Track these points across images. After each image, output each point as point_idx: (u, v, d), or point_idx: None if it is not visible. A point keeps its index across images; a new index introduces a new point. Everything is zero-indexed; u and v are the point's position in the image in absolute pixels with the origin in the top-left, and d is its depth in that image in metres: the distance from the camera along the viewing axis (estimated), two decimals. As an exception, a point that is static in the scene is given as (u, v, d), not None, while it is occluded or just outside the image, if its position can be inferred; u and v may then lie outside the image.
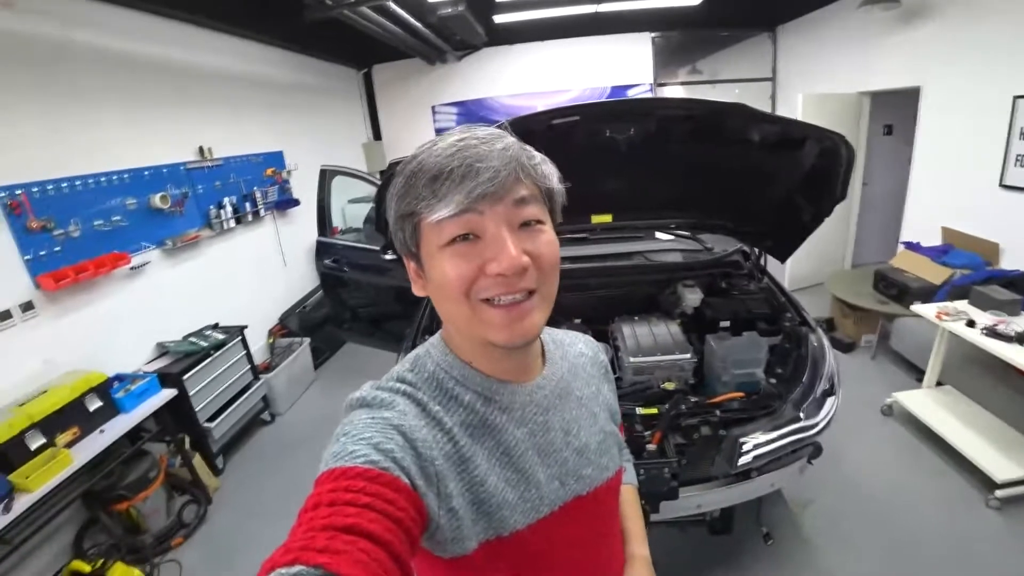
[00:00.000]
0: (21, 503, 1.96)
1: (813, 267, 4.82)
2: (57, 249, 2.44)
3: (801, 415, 1.85)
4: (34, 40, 2.44)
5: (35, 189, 2.36)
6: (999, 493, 2.33)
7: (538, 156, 0.61)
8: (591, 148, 1.99)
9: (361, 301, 3.79)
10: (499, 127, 0.63)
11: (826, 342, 2.13)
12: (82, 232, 2.57)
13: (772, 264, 2.66)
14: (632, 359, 2.19)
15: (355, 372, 4.31)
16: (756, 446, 1.77)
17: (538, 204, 0.59)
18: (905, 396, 2.97)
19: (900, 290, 3.51)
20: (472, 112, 5.97)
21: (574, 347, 0.81)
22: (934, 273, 3.43)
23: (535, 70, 5.70)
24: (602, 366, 0.84)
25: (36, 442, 2.12)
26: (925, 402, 2.89)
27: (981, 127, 3.36)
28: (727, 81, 5.33)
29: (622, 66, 5.51)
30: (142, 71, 3.05)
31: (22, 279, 2.31)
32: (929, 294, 3.32)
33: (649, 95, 5.50)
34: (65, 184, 2.50)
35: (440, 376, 0.64)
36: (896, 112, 4.64)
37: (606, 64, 5.54)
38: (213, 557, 2.53)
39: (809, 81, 4.91)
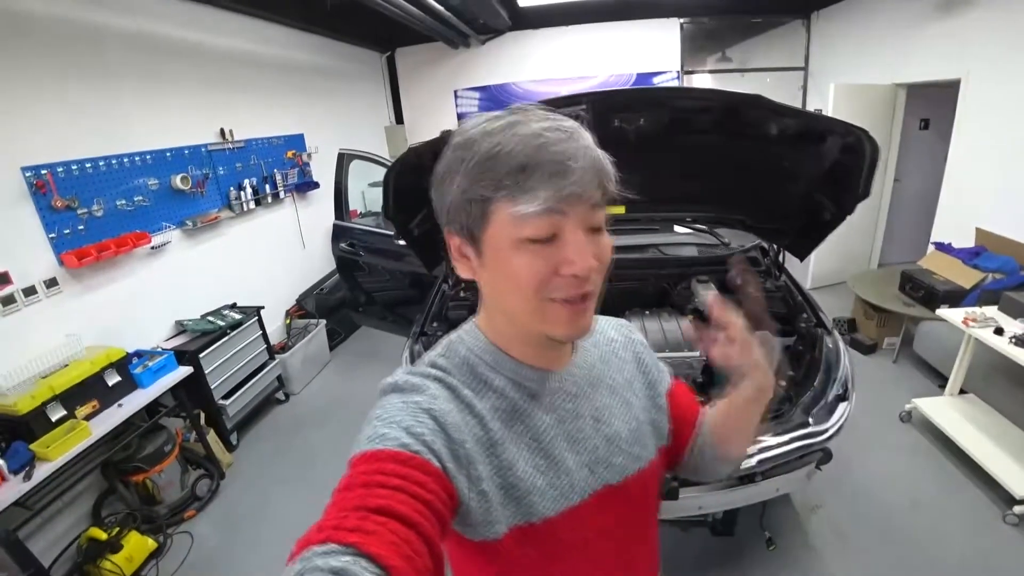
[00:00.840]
0: (42, 471, 2.04)
1: (837, 265, 4.68)
2: (81, 228, 2.51)
3: (810, 420, 1.81)
4: (61, 23, 2.49)
5: (60, 169, 2.42)
6: (1017, 509, 2.25)
7: (609, 159, 0.58)
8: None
9: (376, 285, 3.82)
10: (573, 102, 0.60)
11: (842, 345, 2.07)
12: (105, 212, 2.64)
13: (793, 261, 2.58)
14: None
15: (369, 355, 4.37)
16: (761, 451, 1.74)
17: (603, 209, 0.58)
18: (925, 403, 2.88)
19: (927, 292, 3.38)
20: (495, 97, 5.90)
21: (604, 334, 0.79)
22: (964, 276, 3.30)
23: (559, 56, 5.60)
24: (636, 347, 0.80)
25: (57, 414, 2.21)
26: (946, 410, 2.80)
27: (1023, 123, 3.19)
28: (757, 70, 5.16)
29: (649, 53, 5.37)
30: (165, 53, 3.09)
31: (47, 256, 2.38)
32: (958, 298, 3.20)
33: (675, 83, 5.36)
34: (89, 164, 2.56)
35: (472, 361, 0.65)
36: (933, 106, 4.43)
37: (632, 50, 5.41)
38: (224, 530, 2.61)
39: (842, 71, 4.71)
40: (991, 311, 2.63)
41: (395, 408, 0.56)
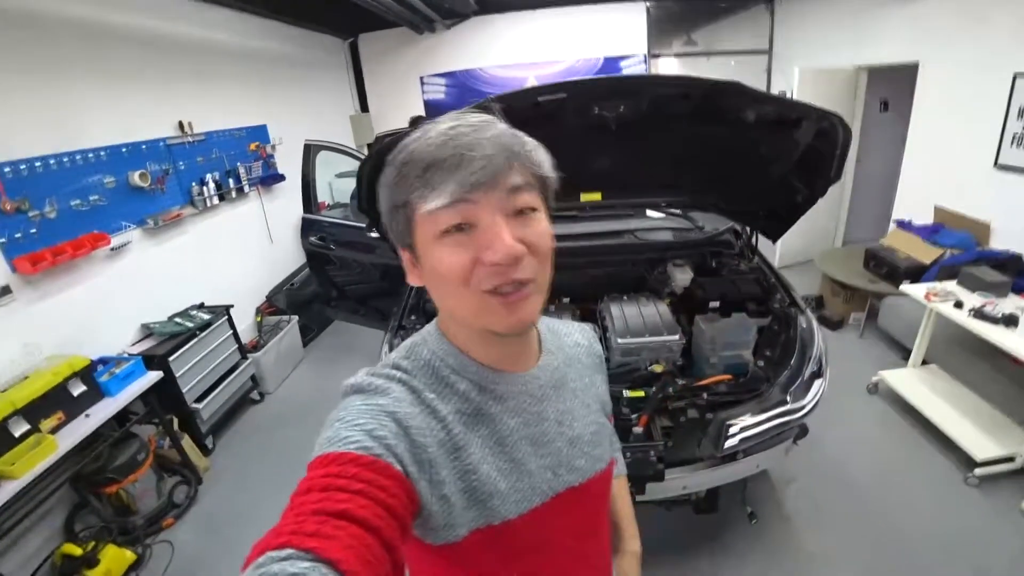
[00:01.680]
0: (7, 490, 1.95)
1: (803, 244, 4.82)
2: (33, 231, 2.37)
3: (788, 398, 1.87)
4: (2, 12, 2.32)
5: (7, 169, 2.27)
6: (978, 471, 2.38)
7: (531, 142, 0.60)
8: (580, 125, 1.94)
9: (348, 279, 3.75)
10: (484, 104, 0.61)
11: (815, 324, 2.13)
12: (59, 213, 2.49)
13: (762, 242, 2.64)
14: (620, 340, 2.18)
15: (344, 350, 4.30)
16: (743, 429, 1.78)
17: (532, 191, 0.58)
18: (891, 374, 3.00)
19: (890, 269, 3.52)
20: (462, 83, 5.82)
21: (570, 337, 0.80)
22: (924, 252, 3.44)
23: (526, 40, 5.55)
24: (597, 356, 0.83)
25: (20, 428, 2.10)
26: (910, 381, 2.93)
27: (978, 105, 3.32)
28: (723, 53, 5.21)
29: (615, 37, 5.36)
30: (117, 43, 2.92)
31: (-3, 263, 2.25)
32: (918, 273, 3.34)
33: (642, 67, 5.37)
34: (39, 163, 2.41)
35: (435, 364, 0.64)
36: (893, 88, 4.57)
37: (599, 35, 5.39)
38: (205, 536, 2.54)
39: (806, 54, 4.81)
40: (951, 286, 2.75)
41: (357, 410, 0.55)
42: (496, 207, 0.55)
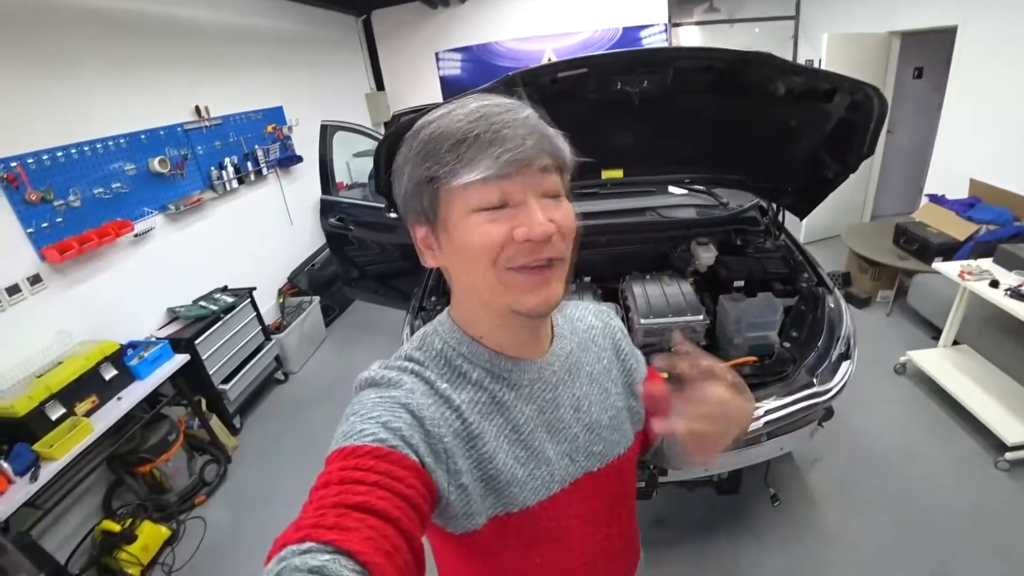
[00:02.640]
0: (48, 471, 2.03)
1: (830, 219, 4.67)
2: (59, 220, 2.42)
3: (815, 381, 1.83)
4: (16, 5, 2.33)
5: (30, 160, 2.31)
6: (1009, 456, 2.32)
7: (554, 130, 0.60)
8: (601, 101, 1.89)
9: (368, 259, 3.76)
10: (508, 80, 0.60)
11: (843, 304, 2.08)
12: (83, 201, 2.53)
13: (788, 218, 2.56)
14: (643, 320, 2.16)
15: (365, 329, 4.35)
16: (767, 412, 1.76)
17: (557, 175, 0.59)
18: (919, 355, 2.93)
19: (921, 245, 3.40)
20: (478, 58, 5.70)
21: (584, 320, 0.79)
22: (958, 228, 3.32)
23: (543, 12, 5.40)
24: (615, 334, 0.81)
25: (56, 412, 2.17)
26: (940, 361, 2.86)
27: (1019, 73, 3.14)
28: (746, 20, 4.99)
29: (634, 5, 5.18)
30: (130, 30, 2.92)
31: (27, 253, 2.30)
32: (952, 250, 3.23)
33: (662, 36, 5.20)
34: (61, 153, 2.44)
35: (448, 353, 0.64)
36: (928, 54, 4.35)
37: (617, 4, 5.22)
38: (236, 512, 2.63)
39: (835, 19, 4.59)
40: (986, 263, 2.65)
41: (371, 403, 0.55)
42: (529, 186, 0.55)
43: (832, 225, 4.72)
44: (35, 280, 2.31)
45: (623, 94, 1.79)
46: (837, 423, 2.39)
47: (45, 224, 2.35)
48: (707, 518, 2.29)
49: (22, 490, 1.95)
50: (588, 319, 0.79)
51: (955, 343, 2.97)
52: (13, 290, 2.22)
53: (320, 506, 0.44)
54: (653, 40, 5.23)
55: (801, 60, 4.79)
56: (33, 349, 2.26)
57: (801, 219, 2.44)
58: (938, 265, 2.79)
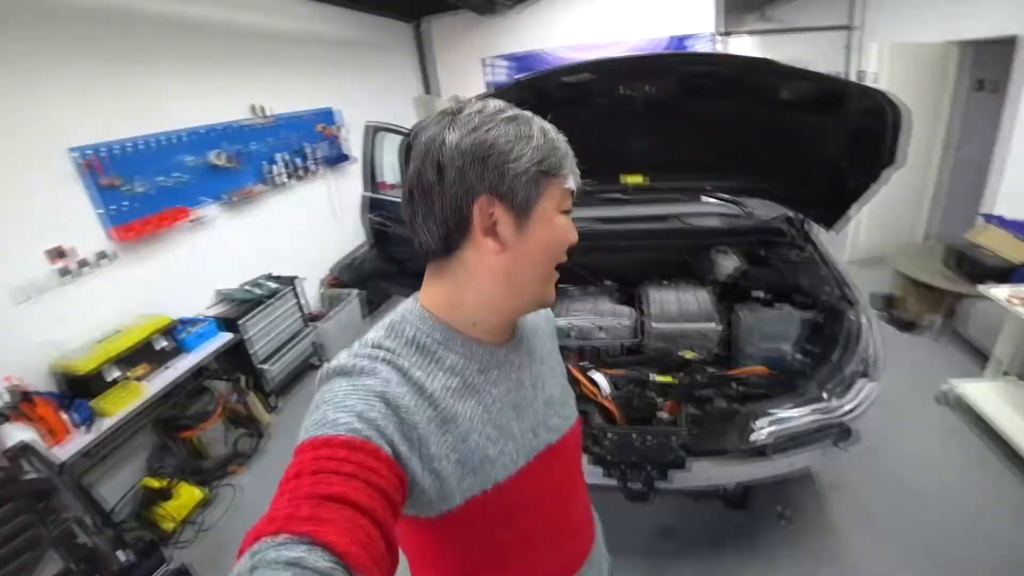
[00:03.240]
0: (102, 425, 2.27)
1: (879, 238, 4.44)
2: (126, 204, 2.69)
3: (825, 395, 1.79)
4: (98, 9, 2.62)
5: (105, 150, 2.58)
6: (1055, 497, 2.16)
7: None
8: (614, 105, 1.93)
9: (407, 255, 3.90)
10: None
11: (870, 320, 1.99)
12: (148, 188, 2.80)
13: (833, 234, 2.44)
14: (656, 325, 2.18)
15: (402, 324, 4.48)
16: (771, 424, 1.73)
17: None
18: (964, 384, 2.75)
19: (973, 267, 3.20)
20: (525, 66, 5.79)
21: None
22: (1016, 250, 3.11)
23: (591, 20, 5.44)
24: (551, 322, 0.90)
25: (112, 375, 2.42)
26: (986, 393, 2.66)
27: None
28: (799, 30, 4.84)
29: (682, 14, 5.14)
30: (198, 33, 3.20)
31: (97, 231, 2.57)
32: (1006, 274, 3.02)
33: (709, 45, 5.12)
34: (130, 145, 2.71)
35: (421, 340, 0.65)
36: (992, 65, 4.08)
37: (665, 12, 5.19)
38: (265, 483, 2.81)
39: (891, 29, 4.37)
40: (1040, 288, 2.48)
41: (344, 392, 0.56)
42: None
43: (881, 244, 4.47)
44: (102, 256, 2.58)
45: (627, 99, 1.83)
46: (869, 450, 2.25)
47: (114, 207, 2.62)
48: (715, 531, 2.22)
49: (80, 440, 2.19)
50: None
51: (1005, 374, 2.78)
52: (83, 264, 2.49)
53: (294, 497, 0.45)
54: (700, 49, 5.15)
55: (854, 71, 4.60)
56: (96, 318, 2.53)
57: (828, 230, 2.37)
58: (985, 288, 2.63)
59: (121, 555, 2.03)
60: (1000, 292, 2.53)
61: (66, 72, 2.45)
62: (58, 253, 2.38)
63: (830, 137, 1.89)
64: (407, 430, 0.57)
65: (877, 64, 3.85)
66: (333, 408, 0.54)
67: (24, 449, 1.92)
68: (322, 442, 0.50)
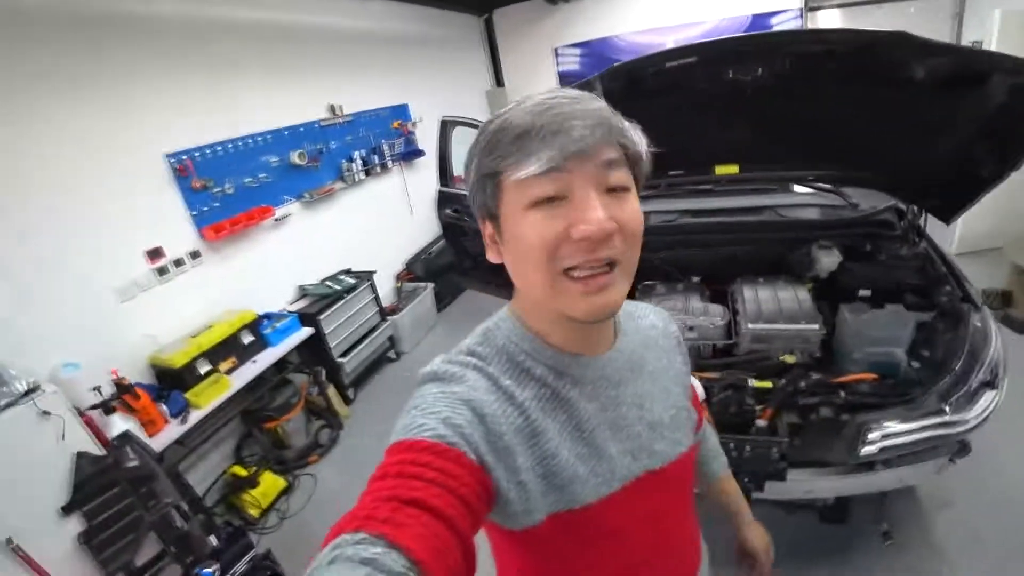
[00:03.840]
0: (194, 416, 2.40)
1: (990, 227, 3.96)
2: (216, 205, 2.82)
3: (946, 408, 1.60)
4: (187, 20, 2.75)
5: (196, 154, 2.72)
6: None
7: (627, 123, 0.58)
8: (710, 92, 1.80)
9: (481, 250, 3.88)
10: (585, 85, 0.61)
11: (992, 324, 1.78)
12: (235, 189, 2.93)
13: (933, 222, 2.24)
14: (751, 325, 2.04)
15: (473, 316, 4.35)
16: (885, 436, 1.58)
17: (625, 169, 0.56)
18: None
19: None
20: (597, 53, 5.65)
21: (645, 319, 0.78)
22: None
23: (664, 3, 5.22)
24: (674, 338, 0.81)
25: (204, 368, 2.55)
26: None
27: None
28: (898, 0, 4.41)
29: (765, -11, 4.83)
30: (275, 38, 3.31)
31: (190, 232, 2.72)
32: None
33: (796, 22, 4.77)
34: (219, 148, 2.85)
35: (510, 349, 0.63)
36: None
37: (745, -12, 4.90)
38: (343, 474, 2.90)
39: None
40: None
41: (433, 398, 0.56)
42: (590, 180, 0.53)
43: (992, 234, 4.00)
44: (195, 255, 2.73)
45: (735, 84, 1.69)
46: (976, 466, 2.05)
47: (205, 208, 2.76)
48: (805, 546, 2.07)
49: (174, 430, 2.33)
50: (650, 318, 0.79)
51: None
52: (179, 262, 2.64)
53: (376, 498, 0.45)
54: (786, 27, 4.82)
55: (967, 42, 4.14)
56: (189, 313, 2.67)
57: (947, 223, 2.13)
58: None
59: (212, 540, 2.13)
60: None
61: (161, 81, 2.59)
62: (156, 253, 2.53)
63: (964, 119, 1.66)
64: (493, 439, 0.55)
65: (999, 35, 3.42)
66: (421, 413, 0.54)
67: (127, 438, 2.06)
68: (408, 446, 0.50)
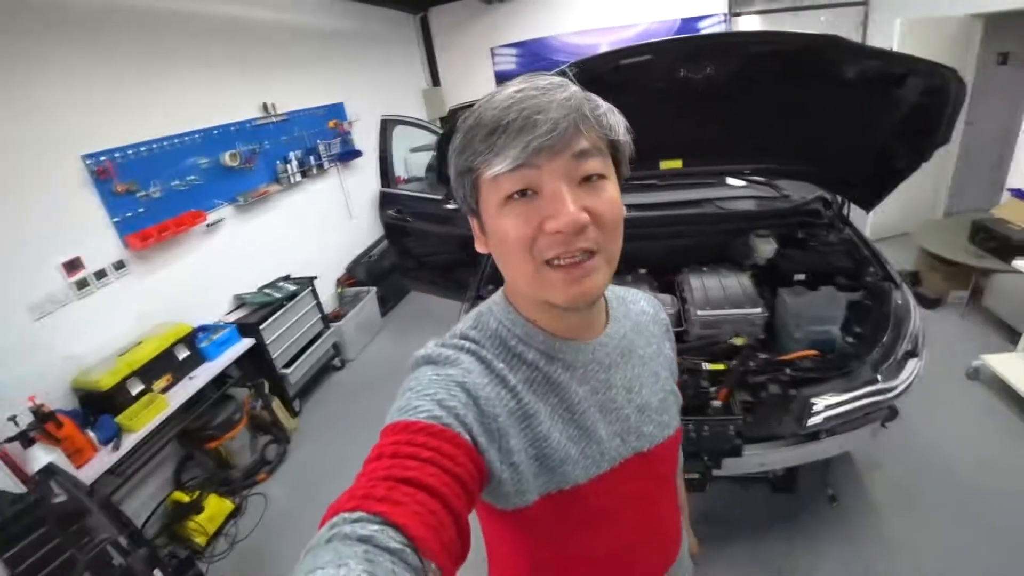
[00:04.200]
0: (128, 441, 2.20)
1: (900, 215, 4.40)
2: (141, 210, 2.61)
3: (879, 377, 1.75)
4: (108, 11, 2.53)
5: (118, 155, 2.50)
6: (1100, 466, 2.14)
7: (604, 105, 0.57)
8: (662, 89, 1.87)
9: (425, 250, 3.83)
10: (560, 73, 0.59)
11: (912, 300, 1.98)
12: (162, 193, 2.72)
13: (853, 212, 2.46)
14: (700, 312, 2.14)
15: (420, 319, 4.45)
16: (828, 407, 1.70)
17: (601, 157, 0.56)
18: (995, 359, 2.74)
19: (1001, 243, 3.17)
20: (533, 53, 5.72)
21: (636, 304, 0.80)
22: (1044, 224, 3.08)
23: (599, 4, 5.36)
24: (663, 324, 0.82)
25: (136, 388, 2.35)
26: (1018, 366, 2.66)
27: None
28: (812, 7, 4.77)
29: (692, -5, 5.08)
30: (207, 32, 3.11)
31: (113, 240, 2.49)
32: (1036, 248, 2.99)
33: (722, 27, 5.05)
34: (144, 148, 2.63)
35: (503, 334, 0.64)
36: (1014, 38, 4.03)
37: (675, -6, 5.13)
38: (294, 490, 2.75)
39: (909, 3, 4.31)
40: (1075, 261, 2.45)
41: (428, 380, 0.56)
42: (560, 173, 0.53)
43: (901, 222, 4.44)
44: (119, 265, 2.51)
45: (686, 82, 1.76)
46: (903, 429, 2.28)
47: (129, 214, 2.54)
48: (761, 516, 2.22)
49: (106, 458, 2.13)
50: (641, 304, 0.81)
51: (1037, 346, 2.75)
52: (100, 274, 2.41)
53: (372, 478, 0.46)
54: (712, 31, 5.09)
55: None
56: (117, 329, 2.45)
57: (867, 211, 2.33)
58: (1020, 263, 2.60)
59: (158, 574, 1.97)
60: (1034, 266, 2.49)
61: (75, 76, 2.36)
62: (74, 265, 2.31)
63: (884, 116, 1.83)
64: (487, 421, 0.56)
65: (900, 41, 3.78)
66: (416, 395, 0.54)
67: (51, 472, 1.87)
68: (403, 427, 0.51)
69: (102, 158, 2.41)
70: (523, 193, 0.54)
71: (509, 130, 0.51)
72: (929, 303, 3.56)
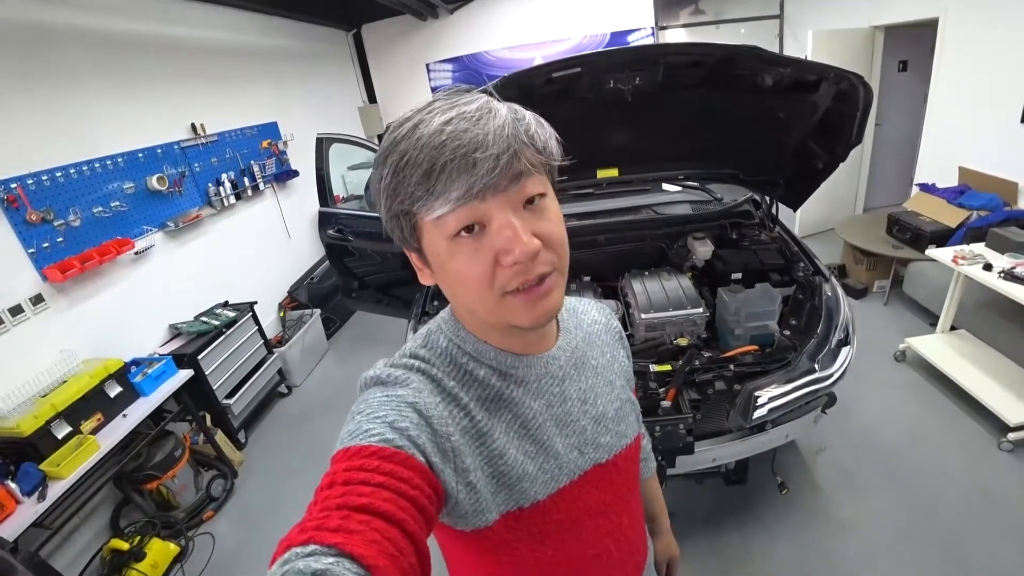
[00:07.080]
0: (55, 489, 2.02)
1: (824, 213, 4.72)
2: (60, 240, 2.43)
3: (816, 366, 1.85)
4: (15, 26, 2.36)
5: (30, 181, 2.32)
6: (1012, 436, 2.34)
7: (530, 118, 0.54)
8: (595, 100, 1.92)
9: (368, 269, 3.75)
10: (501, 83, 0.58)
11: (840, 291, 2.11)
12: (83, 220, 2.55)
13: (782, 211, 2.60)
14: (644, 315, 2.19)
15: (367, 339, 4.35)
16: (771, 399, 1.78)
17: (538, 174, 0.54)
18: (918, 341, 2.95)
19: (914, 234, 3.44)
20: (468, 67, 5.75)
21: (588, 315, 0.79)
22: (950, 215, 3.36)
23: (531, 19, 5.46)
24: (616, 332, 0.82)
25: (62, 431, 2.17)
26: (939, 347, 2.88)
27: (1002, 60, 3.20)
28: (732, 21, 5.06)
29: (622, 10, 5.25)
30: (126, 51, 2.95)
31: (28, 273, 2.31)
32: (945, 237, 3.26)
33: (650, 39, 5.26)
34: (60, 173, 2.46)
35: (453, 352, 0.63)
36: (912, 47, 4.42)
37: (605, 9, 5.28)
38: (244, 527, 2.62)
39: (819, 16, 4.66)
40: (979, 248, 2.69)
41: (377, 402, 0.55)
42: (506, 203, 0.51)
43: (826, 219, 4.76)
44: (37, 300, 2.32)
45: (616, 92, 1.82)
46: (840, 413, 2.42)
47: (46, 244, 2.37)
48: (716, 509, 2.29)
49: (30, 510, 1.94)
50: (592, 314, 0.80)
51: (953, 328, 2.99)
52: (16, 310, 2.23)
53: (324, 507, 0.44)
54: (641, 44, 5.29)
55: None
56: (37, 368, 2.26)
57: (794, 210, 2.47)
58: (932, 252, 2.82)
59: (96, 630, 1.83)
60: (945, 254, 2.72)
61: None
62: (-16, 302, 2.12)
63: (801, 121, 1.95)
64: (440, 441, 0.55)
65: (812, 51, 4.07)
66: (366, 418, 0.52)
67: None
68: (354, 452, 0.49)
69: (12, 185, 2.23)
70: (470, 228, 0.52)
71: (447, 170, 0.48)
72: (856, 293, 3.80)
